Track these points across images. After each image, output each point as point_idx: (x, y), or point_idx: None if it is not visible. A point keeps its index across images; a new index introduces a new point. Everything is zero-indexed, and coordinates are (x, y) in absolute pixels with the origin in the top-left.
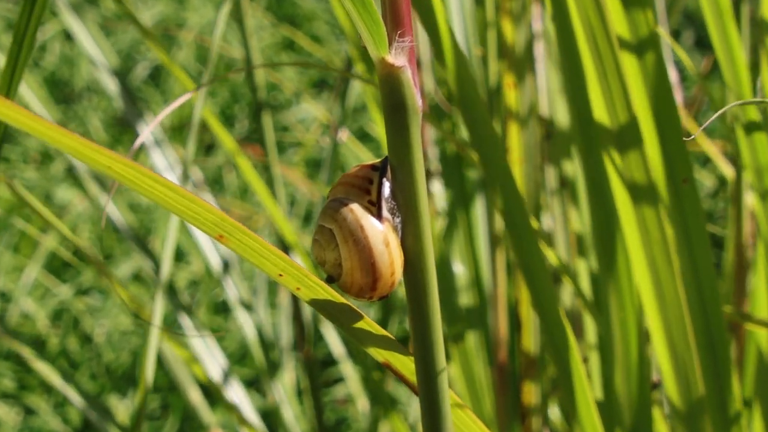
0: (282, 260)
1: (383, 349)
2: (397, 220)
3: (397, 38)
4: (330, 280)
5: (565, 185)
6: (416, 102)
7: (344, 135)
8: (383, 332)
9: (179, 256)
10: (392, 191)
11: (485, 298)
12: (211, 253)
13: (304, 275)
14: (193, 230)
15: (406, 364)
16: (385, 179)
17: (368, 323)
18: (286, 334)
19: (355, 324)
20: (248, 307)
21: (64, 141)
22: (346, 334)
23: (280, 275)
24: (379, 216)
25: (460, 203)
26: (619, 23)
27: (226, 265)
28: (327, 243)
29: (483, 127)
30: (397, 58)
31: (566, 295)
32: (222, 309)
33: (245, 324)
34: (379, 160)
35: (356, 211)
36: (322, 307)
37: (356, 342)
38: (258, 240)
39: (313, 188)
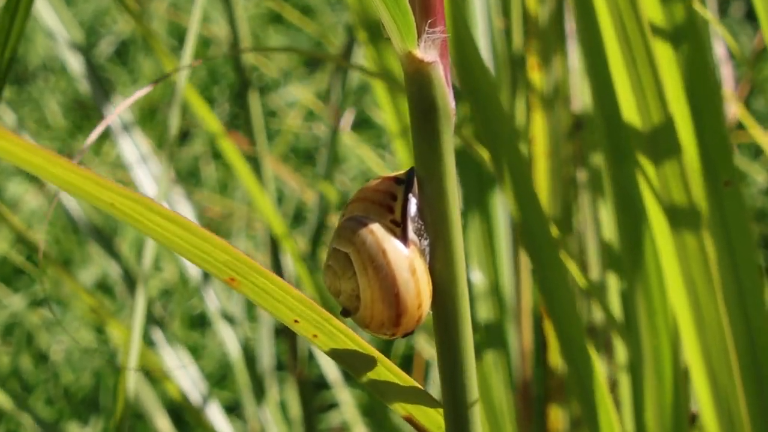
0: (300, 302)
1: (410, 403)
2: (425, 242)
3: (426, 29)
4: (346, 313)
5: (598, 183)
6: (449, 104)
7: (347, 122)
8: (411, 382)
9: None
10: (419, 209)
11: (506, 310)
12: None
13: (324, 319)
14: None
15: (432, 418)
16: (411, 195)
17: (394, 373)
18: (268, 351)
19: (380, 375)
20: (230, 319)
21: (14, 151)
22: (369, 388)
23: (296, 321)
24: (404, 238)
25: (476, 199)
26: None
27: (204, 272)
28: (342, 270)
29: (493, 117)
30: (427, 53)
31: (598, 310)
32: (199, 322)
33: (227, 339)
34: (403, 171)
35: (377, 232)
36: (341, 357)
37: (378, 397)
38: (276, 282)
39: (304, 183)
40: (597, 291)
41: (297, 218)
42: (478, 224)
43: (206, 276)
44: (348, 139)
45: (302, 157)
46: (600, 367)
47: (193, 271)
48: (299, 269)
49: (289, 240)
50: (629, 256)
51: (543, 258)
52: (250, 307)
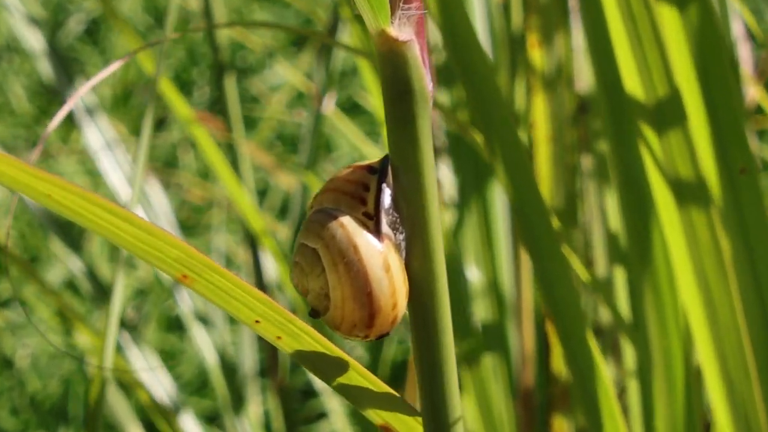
0: (261, 303)
1: (385, 410)
2: (401, 236)
3: (401, 5)
4: (314, 314)
5: (605, 171)
6: (426, 86)
7: (330, 105)
8: (386, 389)
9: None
10: (394, 200)
11: (506, 309)
12: None
13: (287, 320)
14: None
15: (411, 427)
16: (384, 185)
17: (367, 378)
18: (250, 356)
19: (350, 380)
20: (208, 323)
21: None
22: (339, 393)
23: (257, 322)
24: (377, 232)
25: (473, 189)
26: None
27: None
28: (310, 267)
29: (489, 99)
30: (401, 31)
31: (605, 309)
32: (176, 325)
33: (203, 344)
34: (377, 159)
35: (348, 226)
36: (308, 360)
37: (352, 402)
38: (233, 279)
39: (290, 173)
40: (603, 288)
41: (283, 211)
42: (474, 217)
43: None
44: (338, 124)
45: (289, 143)
46: (606, 371)
47: None
48: (281, 269)
49: (269, 239)
50: (636, 249)
51: (543, 252)
52: None
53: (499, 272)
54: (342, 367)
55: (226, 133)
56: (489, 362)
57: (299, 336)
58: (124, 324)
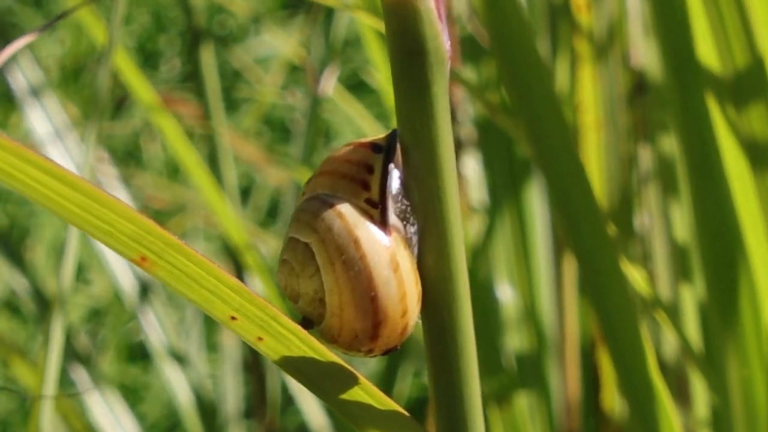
0: (238, 294)
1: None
2: (412, 229)
3: None
4: (307, 324)
5: (669, 165)
6: (442, 45)
7: (330, 83)
8: (391, 405)
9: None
10: (404, 185)
11: (545, 339)
12: (122, 268)
13: (270, 316)
14: None
15: None
16: (392, 166)
17: (368, 392)
18: (233, 392)
19: (349, 394)
20: (178, 350)
21: None
22: (335, 410)
23: (233, 318)
24: (383, 223)
25: (507, 192)
26: None
27: (144, 288)
28: (302, 266)
29: (529, 75)
30: None
31: (668, 340)
32: (140, 354)
33: (173, 378)
34: (382, 135)
35: (348, 216)
36: (296, 368)
37: (350, 422)
38: (203, 264)
39: (280, 167)
40: (668, 310)
41: (272, 213)
42: (508, 225)
43: (146, 292)
44: (340, 106)
45: (279, 131)
46: (673, 410)
47: (133, 285)
48: (269, 289)
49: (254, 253)
50: (709, 263)
51: (597, 266)
52: (210, 333)
53: (538, 293)
54: (338, 377)
55: (201, 118)
56: (525, 402)
57: (285, 338)
58: (75, 353)
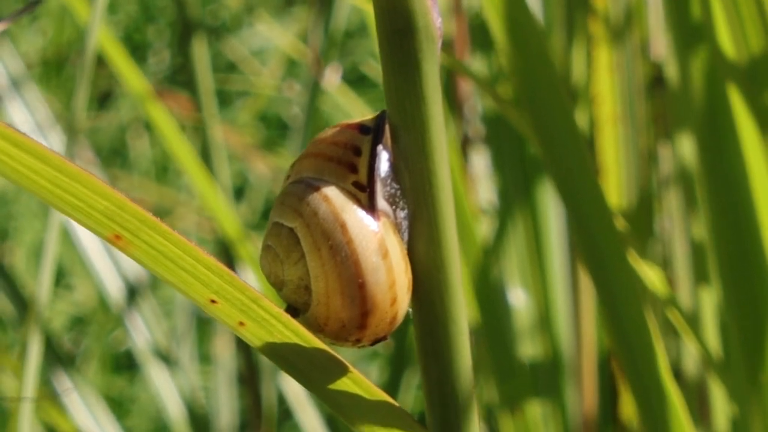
0: (218, 275)
1: (381, 426)
2: (402, 213)
3: None
4: (292, 312)
5: (690, 162)
6: (432, 22)
7: (334, 76)
8: (380, 395)
9: (55, 277)
10: (393, 167)
11: (560, 345)
12: (108, 271)
13: (251, 299)
14: (80, 233)
15: None
16: (380, 147)
17: (356, 381)
18: (227, 405)
19: (337, 384)
20: (169, 359)
21: None
22: (322, 400)
23: (213, 301)
24: (371, 207)
25: (519, 192)
26: None
27: (132, 292)
28: (286, 252)
29: (537, 65)
30: None
31: (687, 351)
32: (126, 364)
33: (163, 389)
34: (370, 116)
35: (334, 199)
36: (280, 356)
37: (337, 413)
38: (181, 244)
39: (276, 165)
40: (687, 316)
41: (266, 214)
42: (521, 226)
43: (134, 297)
44: (340, 101)
45: (275, 127)
46: (687, 418)
47: (118, 292)
48: (267, 288)
49: (247, 246)
50: (731, 267)
51: (608, 271)
52: (202, 342)
53: (552, 299)
54: (325, 364)
55: (192, 113)
56: (538, 412)
57: (268, 323)
58: (60, 359)
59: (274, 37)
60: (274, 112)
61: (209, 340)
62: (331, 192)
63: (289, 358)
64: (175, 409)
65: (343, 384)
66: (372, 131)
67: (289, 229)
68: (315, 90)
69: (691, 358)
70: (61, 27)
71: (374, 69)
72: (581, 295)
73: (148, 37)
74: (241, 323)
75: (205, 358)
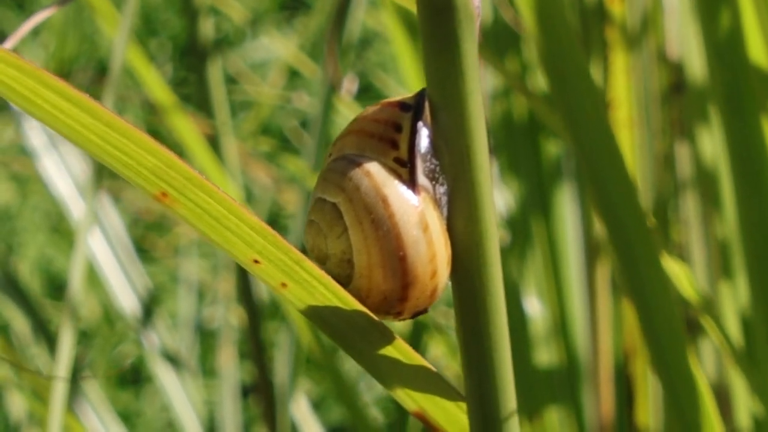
0: (262, 235)
1: (420, 392)
2: (441, 189)
3: None
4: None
5: (708, 168)
6: (470, 1)
7: (353, 86)
8: (419, 360)
9: (60, 290)
10: (433, 144)
11: (577, 353)
12: (115, 282)
13: (294, 261)
14: (93, 247)
15: (453, 417)
16: (420, 124)
17: (397, 347)
18: (233, 418)
19: (376, 348)
20: (181, 372)
21: None
22: (360, 364)
23: (256, 261)
24: (412, 183)
25: (535, 200)
26: None
27: (147, 309)
28: (330, 227)
29: (571, 64)
30: None
31: (708, 351)
32: (132, 378)
33: (173, 401)
34: (411, 95)
35: (376, 175)
36: (321, 318)
37: (376, 378)
38: (226, 203)
39: (281, 178)
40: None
41: (272, 226)
42: (537, 238)
43: (142, 312)
44: (348, 111)
45: (279, 139)
46: (718, 418)
47: (125, 304)
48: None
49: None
50: (757, 261)
51: (636, 264)
52: (206, 355)
53: (569, 307)
54: (365, 328)
55: (200, 124)
56: (555, 419)
57: (310, 285)
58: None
59: (277, 48)
60: (276, 123)
61: (213, 354)
62: (373, 167)
63: (329, 320)
64: (183, 421)
65: (384, 349)
66: (412, 108)
67: (332, 204)
68: (329, 100)
69: (709, 357)
70: (64, 41)
71: (381, 80)
72: (597, 306)
73: (152, 50)
74: (284, 284)
75: (210, 370)
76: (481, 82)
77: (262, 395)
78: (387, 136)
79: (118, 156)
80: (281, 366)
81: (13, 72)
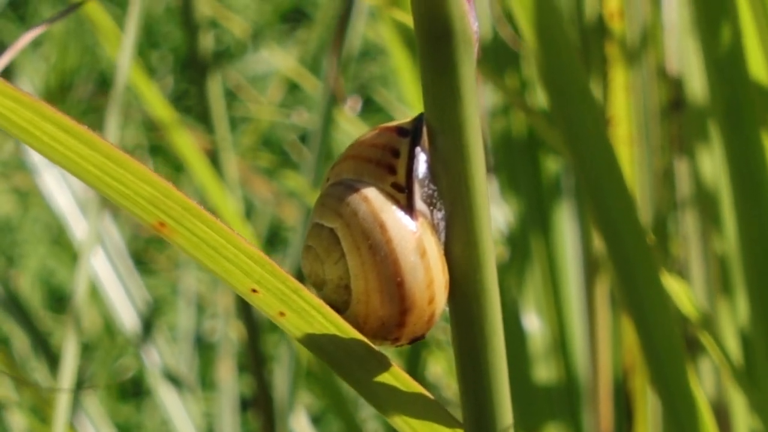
0: (260, 264)
1: (416, 418)
2: (439, 214)
3: None
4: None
5: (708, 186)
6: (469, 26)
7: (356, 104)
8: (417, 388)
9: (60, 303)
10: (431, 169)
11: (576, 371)
12: (115, 296)
13: (292, 290)
14: (92, 261)
15: None
16: (418, 149)
17: (395, 375)
18: (232, 430)
19: (374, 376)
20: (177, 386)
21: None
22: (359, 392)
23: (254, 291)
24: (410, 208)
25: (534, 216)
26: None
27: (147, 322)
28: (327, 252)
29: (572, 81)
30: None
31: (707, 369)
32: (132, 391)
33: (172, 415)
34: (409, 119)
35: (373, 200)
36: (319, 347)
37: (373, 405)
38: (224, 233)
39: (281, 192)
40: (713, 331)
41: (271, 242)
42: (536, 256)
43: (142, 325)
44: (349, 127)
45: (279, 153)
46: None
47: (124, 317)
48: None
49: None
50: (758, 277)
51: (639, 285)
52: (206, 368)
53: (567, 323)
54: (363, 356)
55: (200, 139)
56: None
57: (308, 314)
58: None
59: (276, 63)
60: (276, 138)
61: (212, 367)
62: (371, 193)
63: (327, 349)
64: None
65: (381, 376)
66: (410, 133)
67: (329, 230)
68: (328, 115)
69: (709, 375)
70: (65, 53)
71: (381, 94)
72: (597, 318)
73: (153, 63)
74: (282, 313)
75: (210, 384)
76: (480, 99)
77: (261, 409)
78: (385, 162)
79: (115, 186)
80: (281, 380)
81: (10, 103)
